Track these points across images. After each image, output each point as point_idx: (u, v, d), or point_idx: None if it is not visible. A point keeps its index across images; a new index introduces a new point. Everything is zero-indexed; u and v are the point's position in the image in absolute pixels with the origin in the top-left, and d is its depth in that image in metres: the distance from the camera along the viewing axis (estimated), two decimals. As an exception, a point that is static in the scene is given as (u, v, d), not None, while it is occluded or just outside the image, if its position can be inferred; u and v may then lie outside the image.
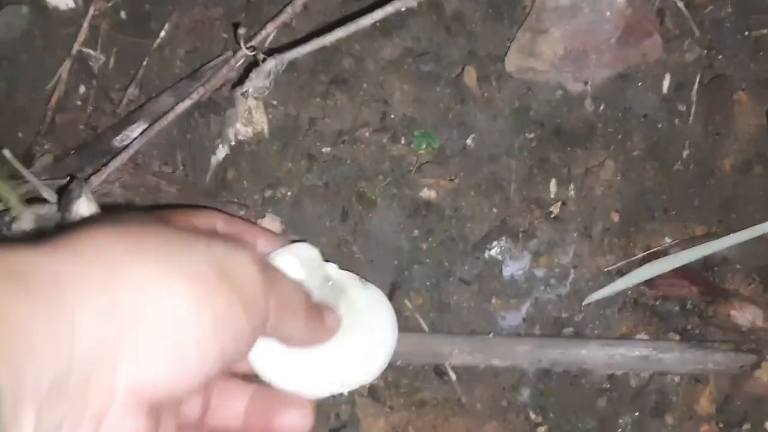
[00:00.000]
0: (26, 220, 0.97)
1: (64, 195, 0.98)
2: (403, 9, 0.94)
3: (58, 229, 0.55)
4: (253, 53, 0.96)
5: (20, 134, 1.27)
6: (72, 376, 0.44)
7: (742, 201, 1.11)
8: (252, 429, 0.70)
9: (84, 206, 0.96)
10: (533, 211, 1.11)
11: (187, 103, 1.15)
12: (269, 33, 1.15)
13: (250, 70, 0.98)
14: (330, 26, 1.12)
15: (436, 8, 1.15)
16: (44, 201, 1.08)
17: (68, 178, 1.05)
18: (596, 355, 1.05)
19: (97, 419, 0.47)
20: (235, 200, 1.18)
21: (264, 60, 0.96)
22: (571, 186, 1.11)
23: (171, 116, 1.14)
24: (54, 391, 0.43)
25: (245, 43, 1.07)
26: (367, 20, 0.95)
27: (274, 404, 0.71)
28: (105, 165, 1.16)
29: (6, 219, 0.99)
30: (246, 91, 0.96)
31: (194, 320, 0.52)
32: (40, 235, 0.53)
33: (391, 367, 1.12)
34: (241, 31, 0.98)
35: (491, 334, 1.08)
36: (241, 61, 1.14)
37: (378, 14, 0.95)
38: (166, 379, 0.51)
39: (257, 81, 0.96)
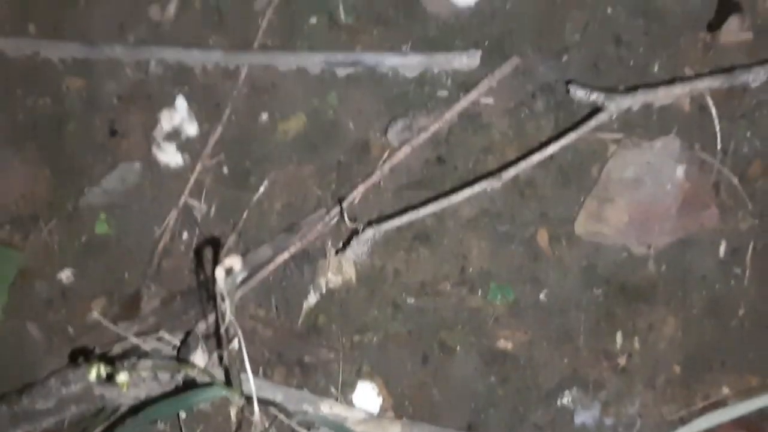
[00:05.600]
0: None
1: (182, 347, 1.09)
2: (489, 189, 1.07)
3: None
4: (354, 225, 1.08)
5: (128, 276, 1.40)
6: None
7: (795, 355, 1.21)
8: None
9: (200, 357, 1.07)
10: (602, 362, 1.21)
11: (284, 256, 1.28)
12: (359, 193, 1.29)
13: (352, 237, 1.10)
14: (415, 185, 1.26)
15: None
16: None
17: (186, 332, 1.16)
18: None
19: None
20: (325, 344, 1.29)
21: (364, 230, 1.08)
22: (636, 339, 1.21)
23: (270, 268, 1.27)
24: None
25: (340, 205, 1.20)
26: (458, 197, 1.07)
27: None
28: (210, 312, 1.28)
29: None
30: (347, 256, 1.08)
31: None
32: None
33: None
34: (344, 204, 1.11)
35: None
36: (335, 219, 1.27)
37: (466, 193, 1.07)
38: None
39: (357, 248, 1.08)
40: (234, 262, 0.78)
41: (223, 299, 0.81)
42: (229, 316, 0.83)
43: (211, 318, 1.23)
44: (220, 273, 0.78)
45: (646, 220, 1.20)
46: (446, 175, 1.30)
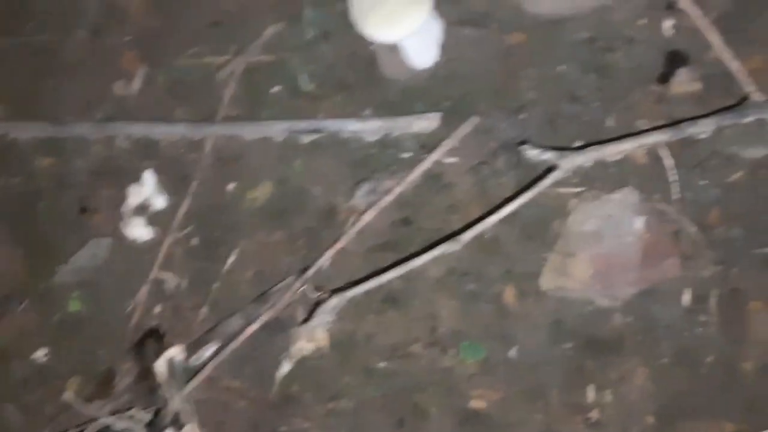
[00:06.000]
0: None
1: (151, 427, 1.10)
2: (449, 251, 1.09)
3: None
4: (318, 294, 1.09)
5: (102, 353, 1.41)
6: None
7: (766, 399, 1.21)
8: None
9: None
10: (574, 417, 1.21)
11: (256, 326, 1.29)
12: (328, 259, 1.30)
13: (317, 307, 1.11)
14: (383, 247, 1.28)
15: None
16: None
17: (155, 409, 1.16)
18: None
19: None
20: (299, 413, 1.29)
21: (329, 298, 1.09)
22: (608, 391, 1.22)
23: (242, 338, 1.27)
24: None
25: (304, 276, 1.22)
26: (421, 260, 1.09)
27: None
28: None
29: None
30: (314, 326, 1.09)
31: None
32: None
33: None
34: (313, 270, 1.12)
35: None
36: (304, 287, 1.28)
37: (428, 256, 1.08)
38: None
39: (323, 317, 1.09)
40: (176, 353, 0.79)
41: (168, 389, 0.82)
42: (176, 405, 0.84)
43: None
44: (161, 366, 0.79)
45: (609, 273, 1.21)
46: (413, 235, 1.31)
